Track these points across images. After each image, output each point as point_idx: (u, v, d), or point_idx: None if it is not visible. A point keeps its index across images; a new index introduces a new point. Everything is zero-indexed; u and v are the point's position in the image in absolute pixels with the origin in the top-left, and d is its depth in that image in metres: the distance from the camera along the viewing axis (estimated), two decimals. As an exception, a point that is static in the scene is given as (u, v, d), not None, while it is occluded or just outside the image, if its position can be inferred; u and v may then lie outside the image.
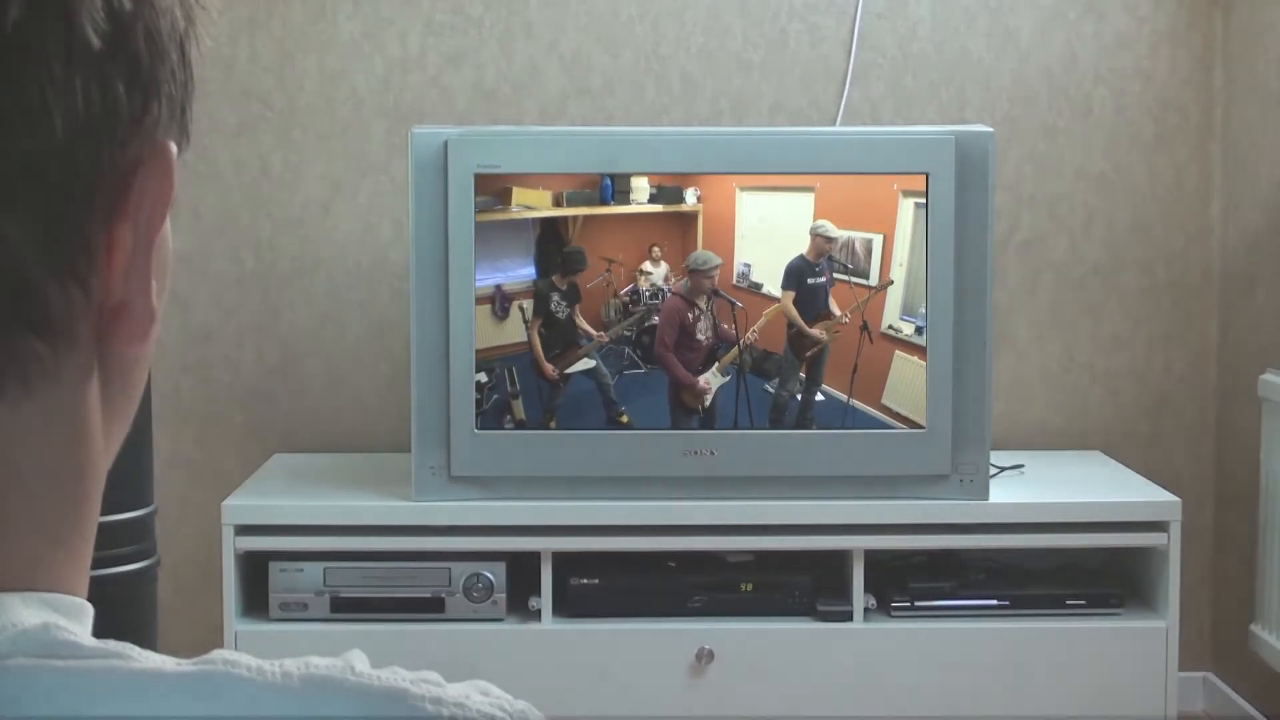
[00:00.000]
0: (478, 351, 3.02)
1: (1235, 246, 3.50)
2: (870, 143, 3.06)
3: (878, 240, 3.08)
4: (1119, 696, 3.08)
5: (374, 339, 3.54)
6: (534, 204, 3.04)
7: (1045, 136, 3.56)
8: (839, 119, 3.52)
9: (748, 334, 3.09)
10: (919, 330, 3.05)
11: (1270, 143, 3.32)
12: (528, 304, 3.07)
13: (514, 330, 3.06)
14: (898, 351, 3.08)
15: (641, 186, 3.05)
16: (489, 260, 3.01)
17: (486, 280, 3.01)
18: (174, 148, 0.62)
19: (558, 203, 3.05)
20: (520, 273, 3.05)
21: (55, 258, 0.58)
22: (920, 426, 3.05)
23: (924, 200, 3.02)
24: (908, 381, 3.07)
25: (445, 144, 2.97)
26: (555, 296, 3.06)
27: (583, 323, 3.08)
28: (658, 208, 3.06)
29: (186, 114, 0.63)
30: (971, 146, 3.02)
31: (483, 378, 3.03)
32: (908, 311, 3.07)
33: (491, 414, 3.06)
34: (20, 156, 0.57)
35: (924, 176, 3.01)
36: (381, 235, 3.53)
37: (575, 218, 3.06)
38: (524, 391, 3.08)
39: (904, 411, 3.06)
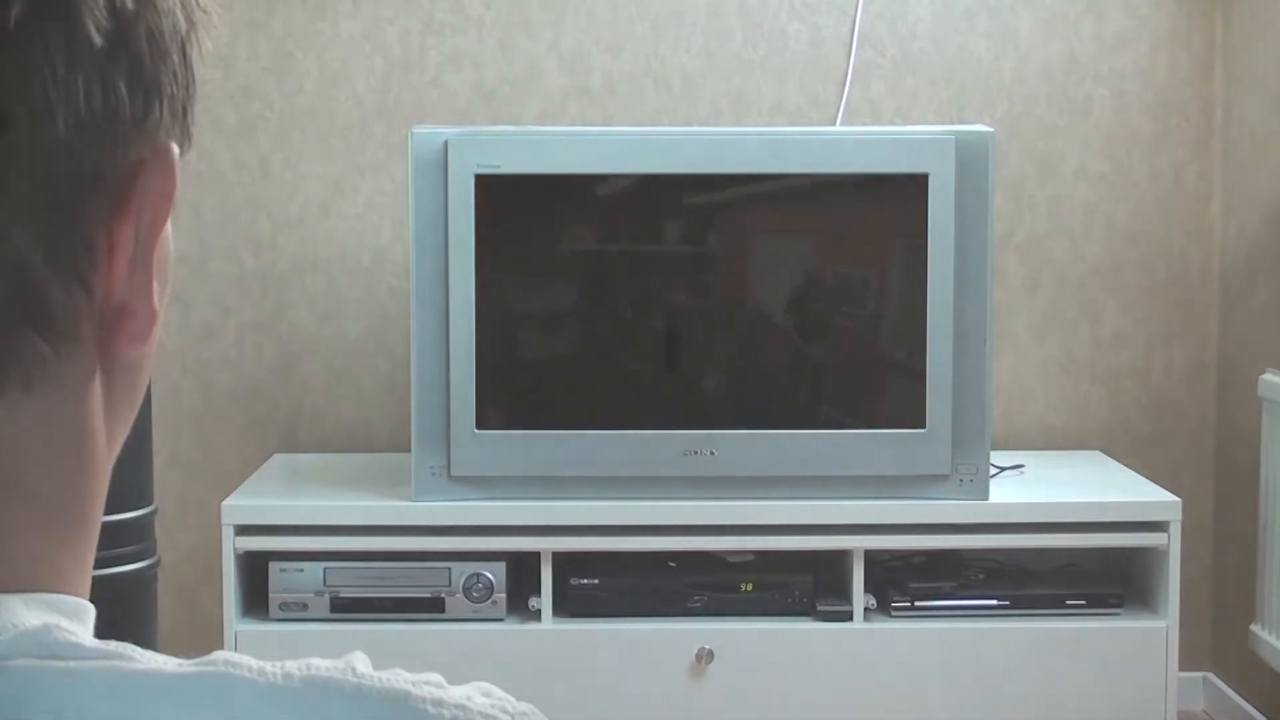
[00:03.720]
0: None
1: (1235, 246, 3.50)
2: (870, 143, 3.06)
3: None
4: (1119, 696, 3.08)
5: (374, 339, 3.54)
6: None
7: (1045, 136, 3.56)
8: (839, 119, 3.52)
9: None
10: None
11: (1270, 143, 3.32)
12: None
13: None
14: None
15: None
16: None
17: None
18: (176, 149, 0.62)
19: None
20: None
21: (57, 257, 0.59)
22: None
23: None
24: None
25: (445, 144, 2.97)
26: None
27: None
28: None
29: (188, 116, 0.64)
30: (971, 146, 3.02)
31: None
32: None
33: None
34: (23, 155, 0.57)
35: (924, 184, 3.01)
36: (381, 235, 3.53)
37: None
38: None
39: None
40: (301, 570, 3.06)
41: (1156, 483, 3.26)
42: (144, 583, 2.66)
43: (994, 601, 3.12)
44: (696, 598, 3.10)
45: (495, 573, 3.06)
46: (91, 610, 0.63)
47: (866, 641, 3.08)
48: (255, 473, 3.34)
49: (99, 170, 0.59)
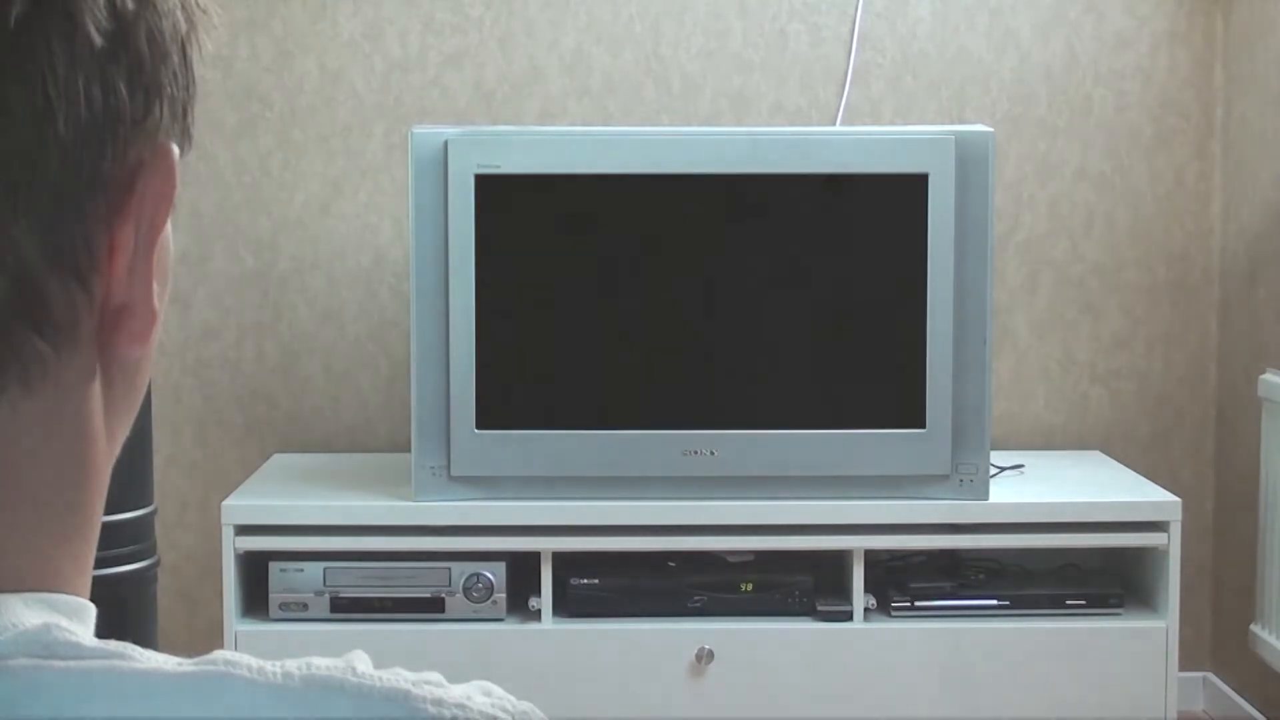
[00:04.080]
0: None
1: (1235, 246, 3.50)
2: (870, 143, 3.06)
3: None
4: (1119, 696, 3.08)
5: (374, 339, 3.54)
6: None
7: (1045, 136, 3.56)
8: (839, 119, 3.52)
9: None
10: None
11: (1270, 143, 3.32)
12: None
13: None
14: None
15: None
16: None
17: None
18: (176, 149, 0.62)
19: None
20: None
21: (58, 257, 0.59)
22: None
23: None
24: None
25: (445, 144, 2.97)
26: None
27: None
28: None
29: (188, 116, 0.64)
30: (971, 146, 3.02)
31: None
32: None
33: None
34: (23, 155, 0.57)
35: (924, 184, 3.01)
36: (381, 235, 3.53)
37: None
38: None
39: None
40: (301, 570, 3.06)
41: (1156, 483, 3.26)
42: (144, 583, 2.66)
43: (994, 601, 3.12)
44: (696, 598, 3.10)
45: (495, 573, 3.06)
46: (92, 610, 0.63)
47: (866, 641, 3.08)
48: (255, 473, 3.34)
49: (99, 170, 0.59)
